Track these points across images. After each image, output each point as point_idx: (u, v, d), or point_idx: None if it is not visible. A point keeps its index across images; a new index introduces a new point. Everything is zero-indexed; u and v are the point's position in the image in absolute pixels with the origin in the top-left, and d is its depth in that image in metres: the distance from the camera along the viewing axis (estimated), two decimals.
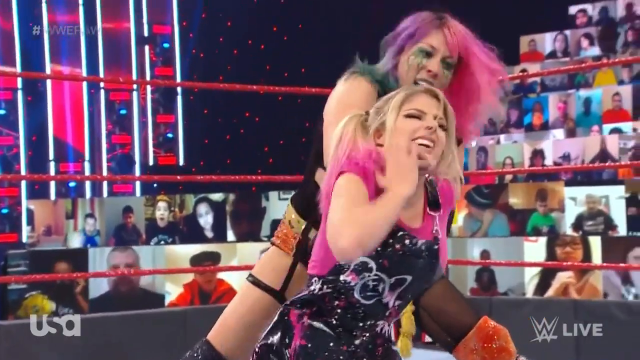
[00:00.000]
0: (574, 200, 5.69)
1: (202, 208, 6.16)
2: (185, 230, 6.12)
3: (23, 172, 7.89)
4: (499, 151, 7.00)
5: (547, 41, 7.91)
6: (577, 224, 5.62)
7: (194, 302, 5.80)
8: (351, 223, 1.58)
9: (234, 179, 4.39)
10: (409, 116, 1.73)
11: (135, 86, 8.63)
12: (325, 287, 1.71)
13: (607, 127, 6.84)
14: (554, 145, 6.78)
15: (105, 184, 8.17)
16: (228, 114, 8.83)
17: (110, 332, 5.08)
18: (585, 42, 7.69)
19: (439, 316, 2.14)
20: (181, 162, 8.89)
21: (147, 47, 8.87)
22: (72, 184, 8.11)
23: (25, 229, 6.89)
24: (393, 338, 1.85)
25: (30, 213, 6.32)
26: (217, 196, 6.20)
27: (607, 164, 6.16)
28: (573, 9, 7.99)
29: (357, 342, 1.72)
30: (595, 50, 7.62)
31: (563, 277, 5.43)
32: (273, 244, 2.35)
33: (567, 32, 7.84)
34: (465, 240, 5.93)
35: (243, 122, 8.91)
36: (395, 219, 1.65)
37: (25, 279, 5.07)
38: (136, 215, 6.06)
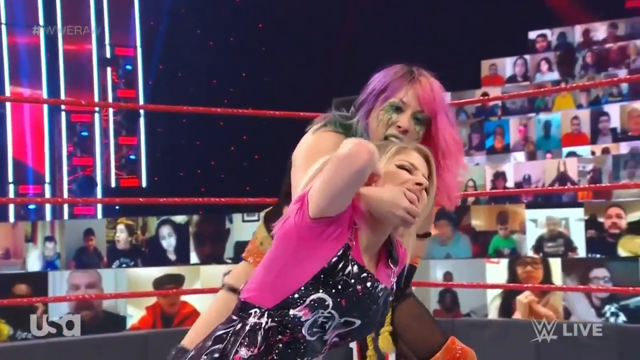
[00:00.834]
0: (535, 222, 5.73)
1: (165, 230, 6.11)
2: (147, 252, 6.06)
3: None
4: (462, 174, 7.07)
5: (508, 65, 8.05)
6: (538, 246, 5.66)
7: (157, 325, 5.73)
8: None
9: (197, 201, 4.36)
10: (400, 167, 1.72)
11: (97, 108, 8.58)
12: (270, 320, 1.66)
13: (566, 150, 6.96)
14: (515, 167, 6.88)
15: (66, 206, 8.07)
16: (191, 136, 8.82)
17: (71, 357, 5.01)
18: (544, 67, 7.85)
19: (407, 333, 2.13)
20: (144, 184, 8.83)
21: (109, 69, 8.84)
22: (32, 207, 8.01)
23: None
24: None
25: None
26: (180, 218, 6.16)
27: (566, 186, 6.25)
28: (532, 34, 8.15)
29: None
30: (554, 75, 7.78)
31: (524, 297, 5.48)
32: (244, 259, 2.35)
33: (527, 56, 7.99)
34: (428, 262, 5.94)
35: (206, 144, 8.90)
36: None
37: None
38: (97, 238, 5.99)
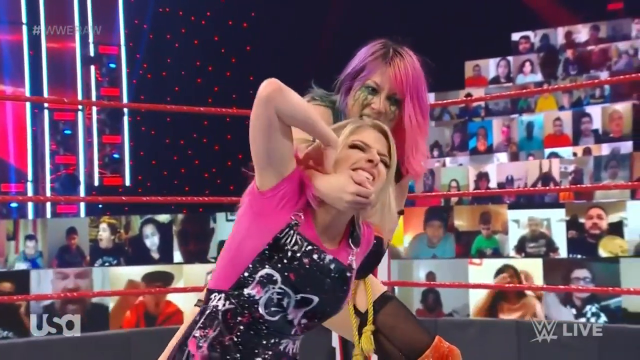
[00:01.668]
0: (517, 223, 5.78)
1: (148, 229, 6.11)
2: (130, 251, 6.06)
3: None
4: (445, 174, 7.11)
5: (491, 66, 8.10)
6: (520, 246, 5.71)
7: (140, 324, 5.73)
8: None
9: (180, 200, 4.36)
10: (353, 147, 1.73)
11: (80, 106, 8.55)
12: (227, 302, 1.67)
13: (548, 151, 7.01)
14: (498, 168, 6.93)
15: (48, 204, 8.04)
16: (175, 135, 8.81)
17: (54, 355, 5.00)
18: (527, 68, 7.90)
19: (393, 334, 2.11)
20: (127, 183, 8.81)
21: (92, 67, 8.82)
22: (14, 205, 7.97)
23: None
24: (298, 358, 1.79)
25: None
26: (163, 217, 6.16)
27: (549, 187, 6.30)
28: (516, 36, 8.20)
29: None
30: (537, 76, 7.84)
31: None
32: None
33: (510, 58, 8.04)
34: (411, 262, 5.97)
35: (190, 143, 8.90)
36: (319, 135, 1.66)
37: None
38: (80, 236, 5.98)
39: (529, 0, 8.60)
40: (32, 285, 5.50)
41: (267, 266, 1.64)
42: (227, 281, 1.68)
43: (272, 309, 1.65)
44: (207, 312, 1.68)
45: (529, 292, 5.44)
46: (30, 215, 8.01)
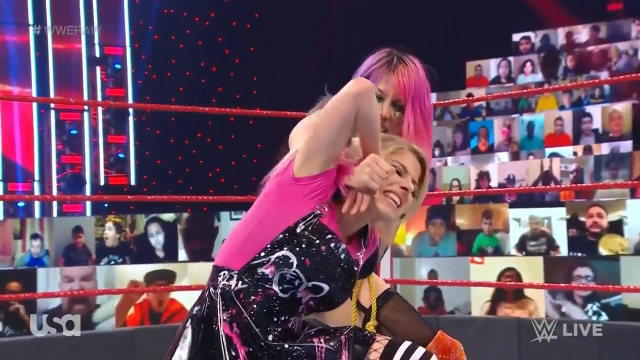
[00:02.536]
0: (518, 222, 5.80)
1: (153, 228, 6.15)
2: (136, 250, 6.10)
3: None
4: (447, 173, 7.15)
5: (492, 67, 8.14)
6: (521, 245, 5.73)
7: (144, 321, 5.76)
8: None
9: (185, 199, 4.40)
10: (392, 166, 1.77)
11: (86, 106, 8.61)
12: (240, 282, 1.69)
13: (549, 150, 7.04)
14: (499, 167, 6.96)
15: (55, 203, 8.09)
16: (180, 134, 8.86)
17: (58, 353, 5.04)
18: (528, 68, 7.94)
19: (397, 327, 2.12)
20: (132, 183, 8.86)
21: (98, 68, 8.88)
22: (20, 204, 8.03)
23: None
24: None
25: None
26: (168, 216, 6.20)
27: (549, 186, 6.33)
28: (516, 37, 8.24)
29: (270, 337, 1.70)
30: (538, 76, 7.87)
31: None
32: None
33: (511, 58, 8.08)
34: (413, 260, 6.00)
35: (195, 143, 8.95)
36: (374, 138, 1.72)
37: None
38: (86, 235, 6.02)
39: (530, 1, 8.64)
40: (38, 284, 5.54)
41: (285, 248, 1.68)
42: (239, 259, 1.71)
43: (285, 286, 1.69)
44: (221, 292, 1.70)
45: (529, 294, 5.47)
46: (37, 214, 8.07)
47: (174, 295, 5.85)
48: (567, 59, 7.81)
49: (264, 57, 8.98)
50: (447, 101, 5.30)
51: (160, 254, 6.12)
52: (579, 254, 5.47)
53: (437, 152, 7.61)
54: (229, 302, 1.69)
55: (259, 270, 1.68)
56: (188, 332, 1.71)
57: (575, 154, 6.90)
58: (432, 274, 5.87)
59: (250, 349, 1.68)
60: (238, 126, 8.53)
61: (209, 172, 8.80)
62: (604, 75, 7.32)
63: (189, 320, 1.72)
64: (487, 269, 5.65)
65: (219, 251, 1.79)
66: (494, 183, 6.84)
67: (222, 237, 6.08)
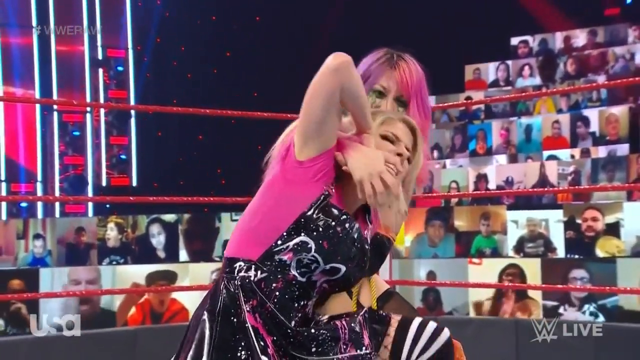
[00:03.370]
0: (516, 223, 5.81)
1: (155, 229, 6.17)
2: (137, 250, 6.13)
3: None
4: (445, 175, 7.19)
5: (491, 70, 8.18)
6: (519, 247, 5.75)
7: (146, 321, 5.79)
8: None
9: (186, 200, 4.42)
10: (383, 137, 1.78)
11: (88, 108, 8.67)
12: (259, 272, 1.68)
13: (546, 153, 7.08)
14: (497, 170, 6.99)
15: (57, 204, 8.14)
16: (181, 136, 8.92)
17: (60, 352, 5.07)
18: (526, 72, 7.99)
19: None
20: (134, 183, 8.91)
21: (101, 70, 8.94)
22: (23, 204, 8.07)
23: None
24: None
25: None
26: (169, 217, 6.22)
27: (547, 188, 6.36)
28: (515, 40, 8.29)
29: (292, 323, 1.69)
30: (536, 80, 7.92)
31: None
32: None
33: (509, 62, 8.13)
34: (412, 261, 6.02)
35: (196, 145, 9.01)
36: (363, 109, 1.70)
37: None
38: (88, 235, 6.04)
39: (528, 5, 8.70)
40: (41, 284, 5.57)
41: (302, 234, 1.66)
42: (255, 249, 1.69)
43: (303, 269, 1.68)
44: (240, 283, 1.68)
45: (529, 294, 5.49)
46: (40, 215, 8.12)
47: (175, 295, 5.89)
48: (564, 62, 7.85)
49: (264, 59, 9.03)
50: (446, 104, 5.33)
51: (162, 254, 6.14)
52: (576, 256, 5.49)
53: (435, 155, 7.65)
54: (249, 294, 1.67)
55: (277, 257, 1.68)
56: (205, 326, 1.67)
57: (572, 156, 6.93)
58: (431, 275, 5.88)
59: (275, 338, 1.66)
60: (239, 128, 8.58)
61: (210, 173, 8.85)
62: (601, 79, 7.36)
63: (205, 314, 1.68)
64: (485, 270, 5.69)
65: (229, 243, 1.76)
66: (492, 185, 6.87)
67: (223, 238, 6.11)
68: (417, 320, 1.79)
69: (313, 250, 1.66)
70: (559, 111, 7.40)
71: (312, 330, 1.69)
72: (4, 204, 7.97)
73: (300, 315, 1.71)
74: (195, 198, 4.50)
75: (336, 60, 1.65)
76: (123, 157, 8.96)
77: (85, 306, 5.63)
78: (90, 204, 8.34)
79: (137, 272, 5.92)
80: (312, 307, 1.78)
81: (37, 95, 8.44)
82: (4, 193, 8.07)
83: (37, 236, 5.99)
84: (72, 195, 8.03)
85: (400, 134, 1.81)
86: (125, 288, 5.70)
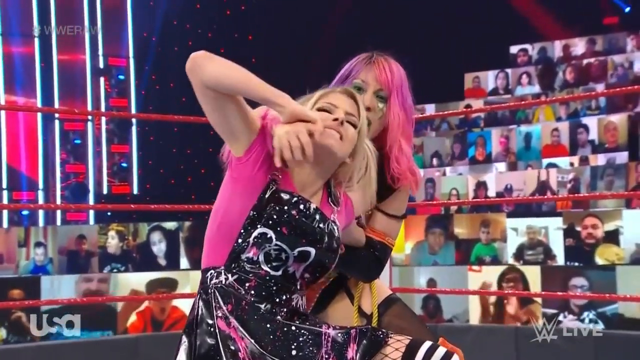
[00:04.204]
0: (515, 231, 5.81)
1: (156, 236, 6.18)
2: (138, 258, 6.14)
3: None
4: (445, 183, 7.20)
5: (490, 78, 8.22)
6: (518, 254, 5.75)
7: (147, 329, 5.80)
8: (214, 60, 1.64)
9: (187, 208, 4.44)
10: (320, 109, 1.76)
11: (90, 116, 8.71)
12: (230, 275, 1.68)
13: (546, 161, 7.10)
14: (497, 177, 7.01)
15: (58, 212, 8.16)
16: (182, 144, 8.94)
17: (61, 359, 5.08)
18: (525, 80, 8.02)
19: (399, 333, 2.05)
20: (135, 191, 8.93)
21: (102, 79, 8.97)
22: (25, 212, 8.09)
23: None
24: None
25: None
26: (170, 225, 6.24)
27: (546, 196, 6.37)
28: (514, 49, 8.33)
29: (278, 318, 1.68)
30: (535, 88, 7.95)
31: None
32: None
33: (508, 70, 8.16)
34: (412, 268, 6.02)
35: (197, 153, 9.03)
36: (257, 96, 1.65)
37: None
38: (89, 243, 6.06)
39: (527, 14, 8.75)
40: (42, 291, 5.58)
41: (258, 226, 1.66)
42: (221, 255, 1.70)
43: (274, 263, 1.68)
44: (213, 290, 1.68)
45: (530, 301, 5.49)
46: (41, 223, 8.14)
47: (176, 302, 5.90)
48: (563, 71, 7.89)
49: (265, 67, 9.06)
50: (445, 112, 5.34)
51: (163, 262, 6.15)
52: (576, 264, 5.49)
53: (435, 162, 7.68)
54: (224, 298, 1.67)
55: (243, 257, 1.68)
56: (185, 340, 1.70)
57: (571, 164, 6.94)
58: (431, 282, 5.89)
59: (253, 340, 1.65)
60: None
61: (210, 181, 8.85)
62: (600, 87, 7.38)
63: (184, 329, 1.71)
64: (485, 278, 5.69)
65: (203, 254, 1.77)
66: (491, 193, 6.88)
67: None
68: (426, 345, 1.74)
69: (274, 239, 1.66)
70: (558, 119, 7.43)
71: (294, 328, 1.68)
72: (5, 212, 7.99)
73: (285, 310, 1.70)
74: (196, 206, 4.51)
75: (188, 64, 1.67)
76: (124, 165, 8.99)
77: (85, 312, 5.65)
78: (91, 212, 8.36)
79: (138, 280, 5.93)
80: (302, 300, 1.76)
81: (39, 104, 8.48)
82: (5, 201, 8.09)
83: (38, 244, 5.99)
84: (73, 203, 8.05)
85: (338, 102, 1.79)
86: (127, 296, 5.71)
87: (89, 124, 8.76)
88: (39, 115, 8.50)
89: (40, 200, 8.35)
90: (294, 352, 1.65)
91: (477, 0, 8.72)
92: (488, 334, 5.38)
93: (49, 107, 8.34)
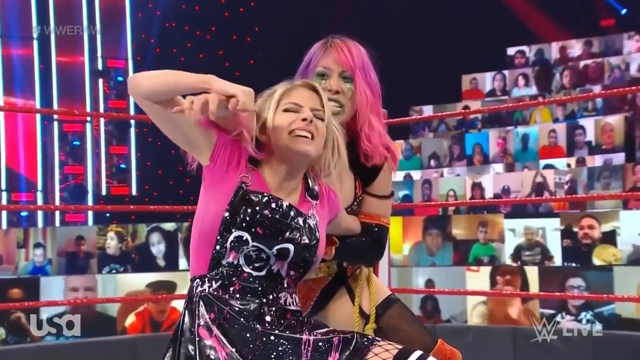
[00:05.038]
0: (513, 232, 5.82)
1: (155, 237, 6.19)
2: (137, 259, 6.15)
3: None
4: (443, 184, 7.22)
5: (487, 80, 8.25)
6: (516, 255, 5.76)
7: (145, 330, 5.82)
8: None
9: (186, 209, 4.45)
10: (286, 110, 1.77)
11: (88, 118, 8.72)
12: (213, 282, 1.70)
13: (543, 162, 7.12)
14: (494, 179, 7.03)
15: (57, 213, 8.17)
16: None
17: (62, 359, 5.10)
18: (522, 82, 8.06)
19: (397, 335, 2.09)
20: (134, 193, 8.95)
21: (101, 81, 8.99)
22: (24, 214, 8.10)
23: None
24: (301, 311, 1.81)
25: None
26: (169, 226, 6.25)
27: (543, 197, 6.39)
28: (511, 50, 8.36)
29: (268, 319, 1.70)
30: (532, 90, 7.98)
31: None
32: None
33: (506, 72, 8.19)
34: (410, 269, 6.04)
35: None
36: (187, 87, 1.66)
37: None
38: (88, 244, 6.07)
39: (524, 16, 8.78)
40: (41, 292, 5.59)
41: (233, 230, 1.69)
42: (204, 263, 1.72)
43: (256, 264, 1.70)
44: (199, 299, 1.70)
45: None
46: (40, 224, 8.15)
47: (176, 304, 5.91)
48: (560, 72, 7.91)
49: (263, 69, 9.10)
50: (443, 113, 5.36)
51: (162, 262, 6.16)
52: (573, 264, 5.50)
53: (433, 163, 7.70)
54: (207, 307, 1.69)
55: (224, 262, 1.70)
56: (170, 347, 1.73)
57: (569, 165, 6.96)
58: (429, 283, 5.90)
59: (234, 349, 1.66)
60: None
61: None
62: (596, 88, 7.41)
63: (171, 337, 1.74)
64: (483, 278, 5.71)
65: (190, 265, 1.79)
66: (489, 194, 6.90)
67: None
68: (415, 355, 1.74)
69: (251, 241, 1.69)
70: (555, 120, 7.45)
71: (272, 337, 1.68)
72: (4, 213, 8.00)
73: (274, 308, 1.71)
74: (195, 207, 4.53)
75: (128, 87, 1.73)
76: (123, 166, 9.00)
77: (84, 313, 5.65)
78: (90, 213, 8.37)
79: (137, 281, 5.95)
80: (291, 298, 1.77)
81: (38, 105, 8.50)
82: (4, 202, 8.10)
83: (37, 245, 5.99)
84: (72, 204, 8.06)
85: (302, 100, 1.79)
86: (126, 297, 5.72)
87: (88, 126, 8.78)
88: (38, 116, 8.51)
89: (39, 202, 8.37)
90: None
91: (474, 2, 8.75)
92: (486, 334, 5.39)
93: (47, 109, 8.35)
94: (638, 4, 8.39)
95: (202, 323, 1.68)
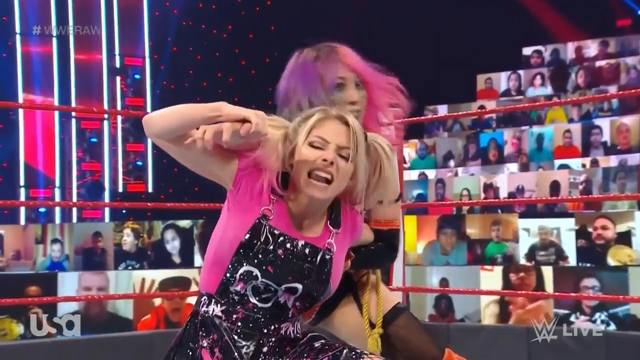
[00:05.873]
0: (527, 232, 5.80)
1: (170, 234, 6.22)
2: (153, 255, 6.19)
3: None
4: (457, 183, 7.22)
5: (502, 80, 8.23)
6: (530, 254, 5.75)
7: (160, 326, 5.85)
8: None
9: (201, 206, 4.48)
10: (311, 144, 1.70)
11: (106, 115, 8.79)
12: (218, 305, 1.69)
13: (558, 162, 7.11)
14: (509, 178, 7.02)
15: (74, 210, 8.23)
16: None
17: (78, 356, 5.13)
18: (537, 82, 8.03)
19: (405, 346, 2.10)
20: (150, 190, 9.00)
21: (118, 78, 9.06)
22: (42, 210, 8.17)
23: None
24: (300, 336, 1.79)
25: None
26: (184, 223, 6.28)
27: (558, 197, 6.38)
28: (527, 50, 8.34)
29: (264, 349, 1.69)
30: (547, 90, 7.96)
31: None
32: None
33: (521, 71, 8.17)
34: (424, 268, 6.05)
35: None
36: (198, 118, 1.62)
37: None
38: (105, 240, 6.11)
39: (540, 16, 8.76)
40: (59, 288, 5.65)
41: (244, 264, 1.66)
42: (212, 284, 1.70)
43: (263, 295, 1.68)
44: (202, 319, 1.71)
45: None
46: (57, 220, 8.21)
47: (191, 300, 5.94)
48: (576, 73, 7.89)
49: (279, 68, 9.12)
50: (458, 113, 5.35)
51: (177, 259, 6.19)
52: (588, 265, 5.48)
53: (448, 163, 7.70)
54: (209, 328, 1.69)
55: (231, 289, 1.68)
56: (168, 356, 1.74)
57: (583, 166, 6.94)
58: (444, 282, 5.90)
59: None
60: None
61: None
62: (612, 89, 7.38)
63: (171, 345, 1.74)
64: (497, 277, 5.71)
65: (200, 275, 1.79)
66: (503, 193, 6.90)
67: None
68: None
69: (260, 277, 1.67)
70: (570, 121, 7.43)
71: None
72: (22, 209, 8.07)
73: (274, 339, 1.71)
74: (210, 204, 4.56)
75: (144, 128, 1.70)
76: (139, 163, 9.06)
77: (98, 309, 5.70)
78: (107, 210, 8.42)
79: (153, 277, 5.99)
80: (293, 327, 1.76)
81: (56, 103, 8.57)
82: (22, 198, 8.18)
83: (55, 241, 6.04)
84: (89, 200, 8.12)
85: (330, 135, 1.71)
86: (142, 293, 5.76)
87: (105, 123, 8.85)
88: (56, 113, 8.58)
89: (57, 198, 8.44)
90: None
91: (490, 1, 8.74)
92: (500, 333, 5.39)
93: (66, 106, 8.43)
94: None
95: (205, 345, 1.69)
